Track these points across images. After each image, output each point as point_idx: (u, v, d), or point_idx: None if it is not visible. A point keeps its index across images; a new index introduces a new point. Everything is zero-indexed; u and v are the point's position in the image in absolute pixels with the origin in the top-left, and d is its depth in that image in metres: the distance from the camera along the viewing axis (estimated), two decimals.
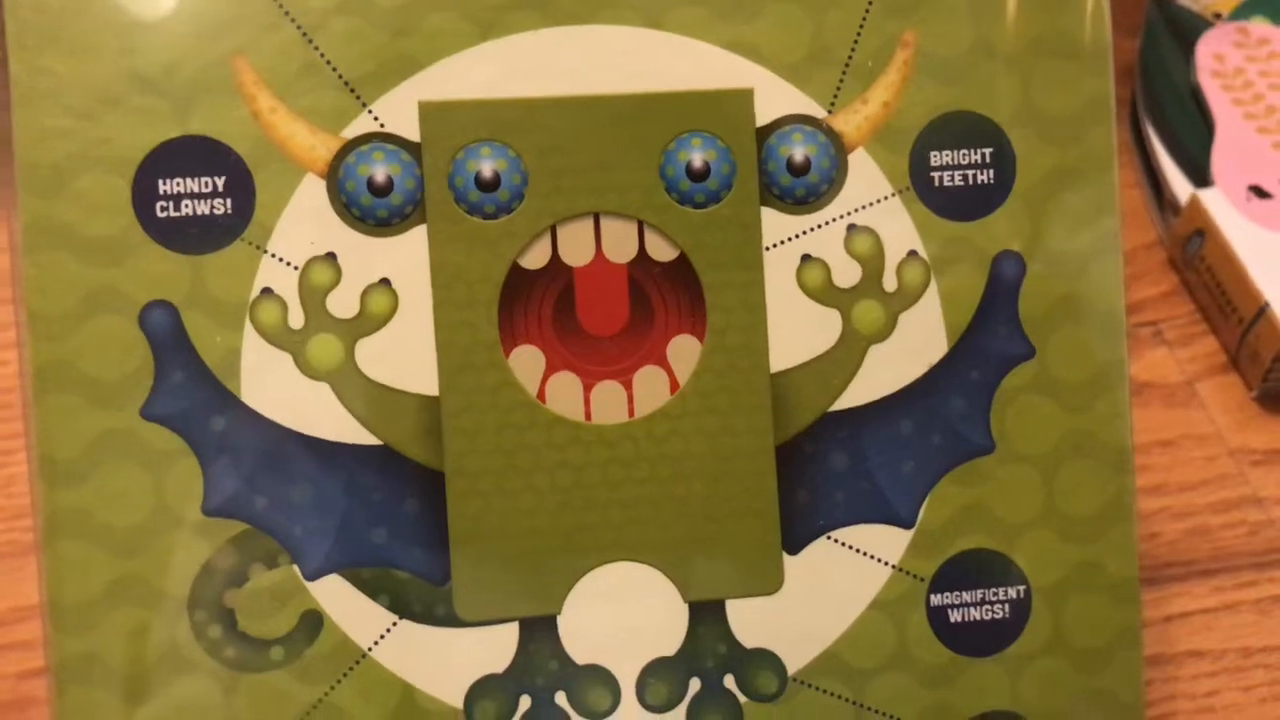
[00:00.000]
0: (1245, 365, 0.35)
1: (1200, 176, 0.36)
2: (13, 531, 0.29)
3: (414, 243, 0.22)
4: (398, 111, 0.22)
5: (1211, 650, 0.31)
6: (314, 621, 0.22)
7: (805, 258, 0.23)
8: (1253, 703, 0.30)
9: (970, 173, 0.24)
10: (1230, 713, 0.30)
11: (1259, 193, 0.36)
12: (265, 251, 0.22)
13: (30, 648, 0.28)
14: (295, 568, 0.22)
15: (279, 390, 0.22)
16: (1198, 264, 0.36)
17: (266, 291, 0.22)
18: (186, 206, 0.22)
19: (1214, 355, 0.36)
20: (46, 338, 0.21)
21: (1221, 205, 0.35)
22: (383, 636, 0.22)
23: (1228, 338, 0.35)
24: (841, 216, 0.23)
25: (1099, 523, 0.24)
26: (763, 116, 0.23)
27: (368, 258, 0.22)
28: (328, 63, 0.22)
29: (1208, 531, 0.33)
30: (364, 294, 0.22)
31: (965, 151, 0.24)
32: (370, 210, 0.22)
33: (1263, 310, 0.34)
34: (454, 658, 0.22)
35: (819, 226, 0.23)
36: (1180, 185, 0.36)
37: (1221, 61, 0.38)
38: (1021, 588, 0.24)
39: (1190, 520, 0.33)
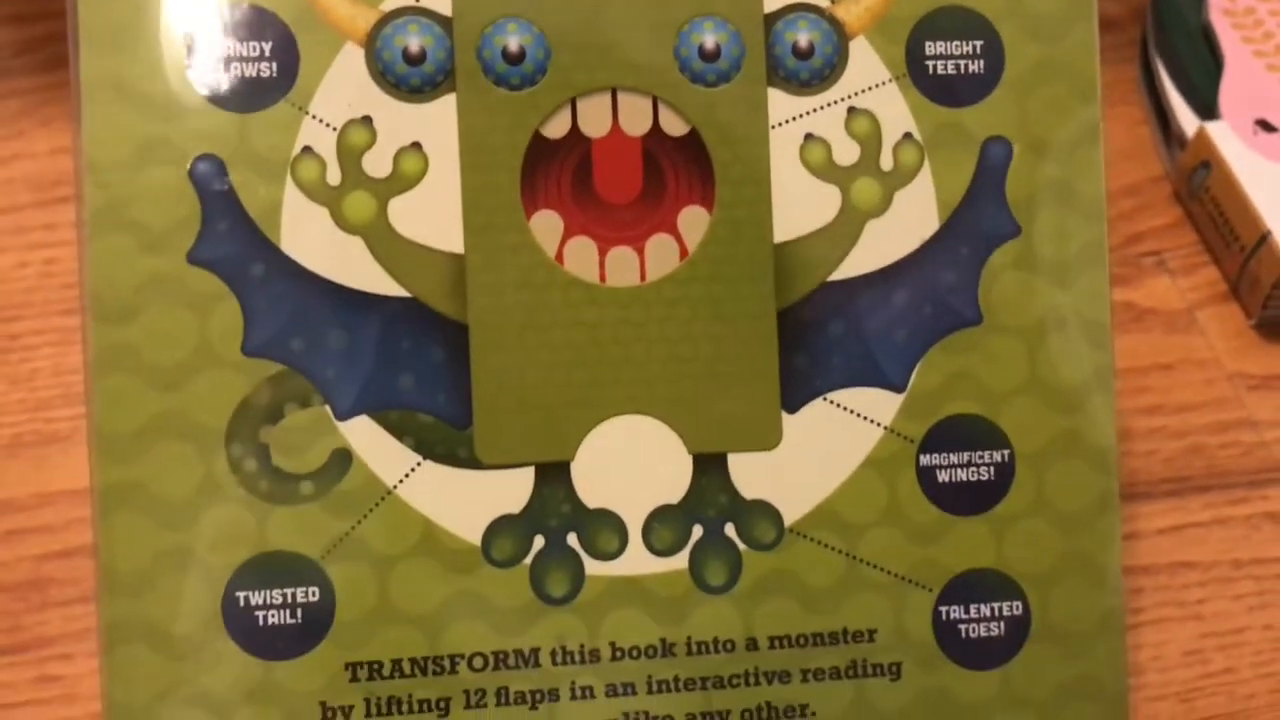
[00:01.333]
0: (1245, 293, 0.36)
1: (1208, 111, 0.38)
2: (35, 423, 0.31)
3: (444, 110, 0.24)
4: None
5: (1202, 561, 0.33)
6: (343, 459, 0.24)
7: (808, 136, 0.25)
8: (1240, 611, 0.32)
9: (962, 62, 0.26)
10: (1218, 620, 0.32)
11: (1265, 126, 0.38)
12: (306, 113, 0.24)
13: (51, 531, 0.30)
14: (327, 408, 0.24)
15: (316, 241, 0.24)
16: (1202, 195, 0.37)
17: (307, 150, 0.24)
18: (236, 68, 0.24)
19: (1215, 285, 0.38)
20: (102, 185, 0.24)
21: (1228, 137, 0.37)
22: (407, 475, 0.24)
23: (1229, 266, 0.37)
24: (842, 99, 0.25)
25: (1080, 393, 0.26)
26: (770, 3, 0.25)
27: (401, 122, 0.24)
28: None
29: (1203, 450, 0.35)
30: (397, 155, 0.24)
31: (957, 43, 0.26)
32: (404, 78, 0.24)
33: (1264, 238, 0.35)
34: (473, 498, 0.24)
35: (821, 108, 0.25)
36: (1188, 119, 0.38)
37: (1233, 0, 0.40)
38: (1006, 452, 0.26)
39: (1187, 440, 0.35)
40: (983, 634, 0.26)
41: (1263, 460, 0.35)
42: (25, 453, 0.30)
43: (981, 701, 0.26)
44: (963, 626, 0.26)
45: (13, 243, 0.31)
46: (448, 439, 0.24)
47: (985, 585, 0.26)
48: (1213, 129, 0.37)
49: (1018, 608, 0.26)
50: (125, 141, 0.24)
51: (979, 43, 0.26)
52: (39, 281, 0.31)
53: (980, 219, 0.26)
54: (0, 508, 0.30)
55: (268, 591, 0.24)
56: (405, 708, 0.24)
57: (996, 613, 0.26)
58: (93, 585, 0.28)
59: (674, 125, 0.25)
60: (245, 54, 0.24)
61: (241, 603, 0.24)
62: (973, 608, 0.26)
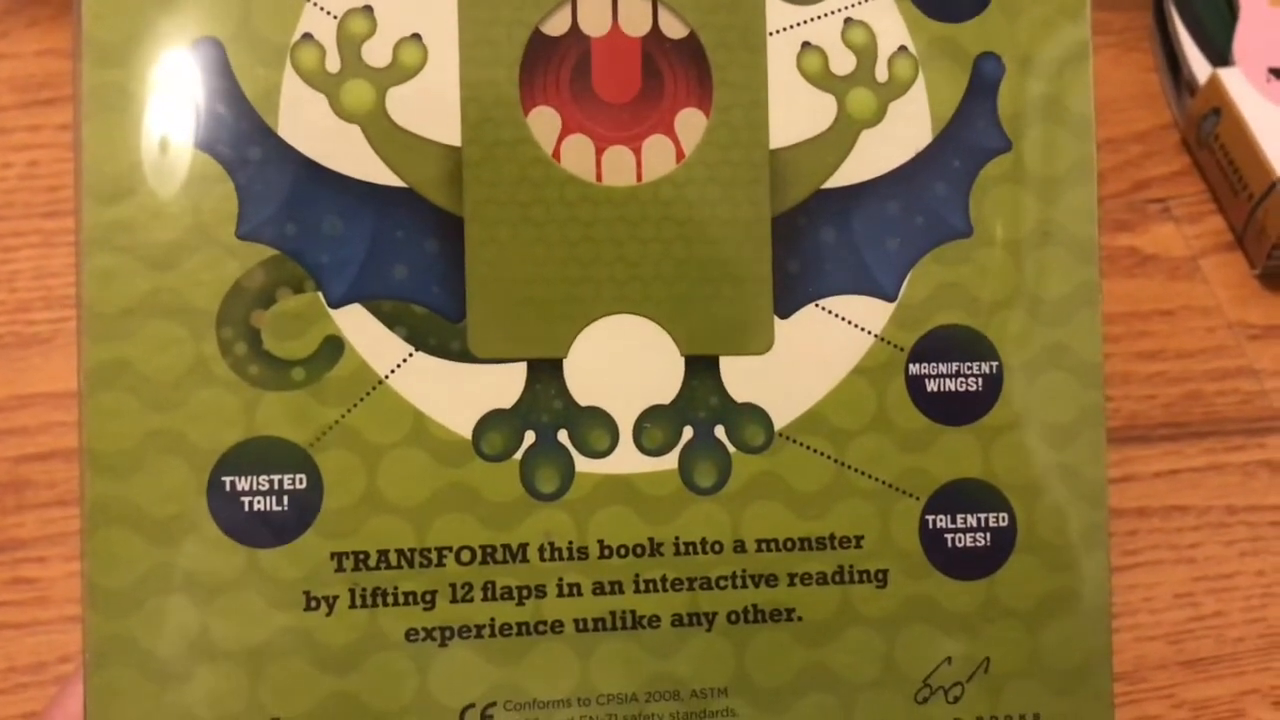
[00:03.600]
0: (1251, 242, 0.37)
1: (1221, 58, 0.38)
2: (15, 324, 0.32)
3: (445, 1, 0.25)
4: None
5: (1197, 506, 0.34)
6: (335, 346, 0.24)
7: (805, 45, 0.26)
8: (1232, 556, 0.33)
9: None
10: (1210, 564, 0.33)
11: (1278, 74, 0.38)
12: (308, 0, 0.24)
13: (28, 433, 0.30)
14: (320, 295, 0.24)
15: (313, 128, 0.25)
16: (1211, 142, 0.38)
17: (307, 36, 0.24)
18: None
19: (1220, 234, 0.39)
20: (100, 62, 0.24)
21: (1240, 84, 0.38)
22: (399, 366, 0.24)
23: (1236, 215, 0.37)
24: (839, 10, 0.26)
25: (1066, 306, 0.27)
26: None
27: (402, 12, 0.25)
28: None
29: (1202, 397, 0.35)
30: (397, 45, 0.25)
31: None
32: None
33: (1274, 186, 0.36)
34: (465, 390, 0.25)
35: (819, 17, 0.26)
36: (1200, 65, 0.39)
37: None
38: (994, 363, 0.26)
39: (1186, 385, 0.35)
40: (968, 544, 0.26)
41: (1261, 409, 0.35)
42: (4, 354, 0.31)
43: (966, 611, 0.26)
44: (949, 536, 0.26)
45: None
46: (440, 331, 0.25)
47: (972, 495, 0.27)
48: (1225, 75, 0.38)
49: (1004, 519, 0.27)
50: (125, 21, 0.24)
51: None
52: (21, 184, 0.32)
53: (972, 133, 0.27)
54: None
55: (254, 478, 0.24)
56: (391, 599, 0.24)
57: (982, 523, 0.27)
58: (70, 489, 0.29)
59: (673, 27, 0.26)
60: None
61: (227, 488, 0.24)
62: (959, 517, 0.26)
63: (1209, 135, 0.38)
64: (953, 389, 0.27)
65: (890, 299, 0.27)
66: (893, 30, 0.27)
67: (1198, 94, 0.38)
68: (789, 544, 0.26)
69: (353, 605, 0.25)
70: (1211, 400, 0.35)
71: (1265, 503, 0.34)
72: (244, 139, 0.25)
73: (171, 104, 0.24)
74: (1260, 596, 0.33)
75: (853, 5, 0.27)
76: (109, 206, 0.24)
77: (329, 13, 0.25)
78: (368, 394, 0.25)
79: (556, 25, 0.26)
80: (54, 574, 0.28)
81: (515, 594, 0.26)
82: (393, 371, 0.25)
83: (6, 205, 0.31)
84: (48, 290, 0.31)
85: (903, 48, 0.27)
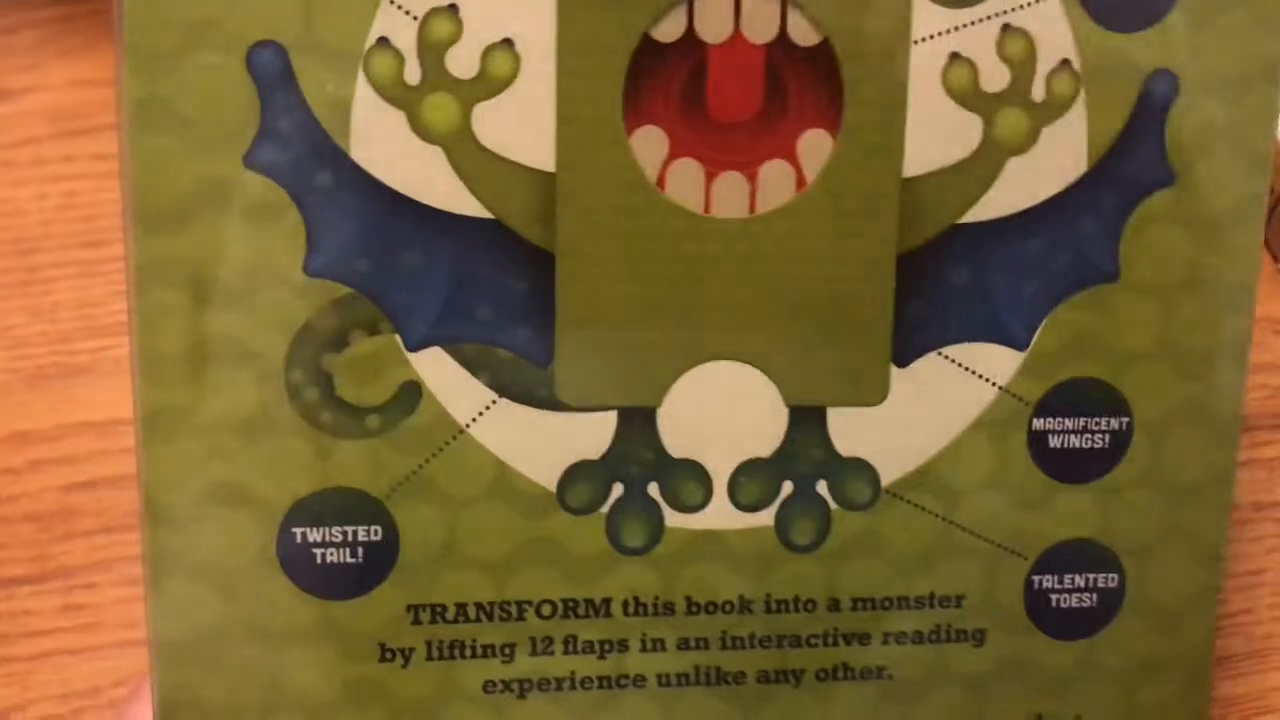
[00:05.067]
0: (1273, 236, 0.35)
1: None
2: (58, 355, 0.30)
3: (542, 1, 0.21)
4: None
5: None
6: (413, 392, 0.22)
7: (953, 56, 0.23)
8: (1260, 553, 0.32)
9: None
10: (1236, 561, 0.32)
11: None
12: None
13: (75, 462, 0.30)
14: (397, 337, 0.22)
15: (390, 150, 0.22)
16: None
17: (383, 41, 0.21)
18: None
19: None
20: (145, 73, 0.21)
21: None
22: (481, 413, 0.23)
23: None
24: (997, 15, 0.23)
25: (1212, 360, 0.25)
26: None
27: (492, 13, 0.21)
28: None
29: None
30: (485, 53, 0.22)
31: None
32: None
33: None
34: (551, 440, 0.23)
35: (972, 23, 0.23)
36: None
37: None
38: (1125, 419, 0.24)
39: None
40: (1074, 604, 0.25)
41: None
42: (49, 385, 0.30)
43: (1062, 670, 0.25)
44: (1054, 596, 0.25)
45: (31, 175, 0.30)
46: (526, 376, 0.23)
47: (1082, 555, 0.25)
48: None
49: (1113, 580, 0.25)
50: (171, 23, 0.21)
51: None
52: (58, 214, 0.30)
53: (1133, 164, 0.24)
54: (24, 439, 0.29)
55: (327, 529, 0.23)
56: (468, 652, 0.23)
57: (1091, 584, 0.25)
58: (117, 516, 0.28)
59: (804, 33, 0.22)
60: None
61: (298, 539, 0.23)
62: (1067, 578, 0.25)
63: None
64: (1077, 445, 0.25)
65: (1020, 348, 0.24)
66: (1056, 40, 0.23)
67: None
68: (885, 603, 0.24)
69: (429, 658, 0.24)
70: None
71: None
72: (311, 162, 0.22)
73: (228, 121, 0.21)
74: None
75: (1013, 9, 0.23)
76: (161, 239, 0.21)
77: (409, 12, 0.21)
78: (447, 443, 0.23)
79: (670, 29, 0.22)
80: (104, 599, 0.28)
81: (597, 648, 0.24)
82: (474, 420, 0.23)
83: (44, 237, 0.30)
84: (89, 320, 0.30)
85: (1065, 61, 0.23)
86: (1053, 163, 0.23)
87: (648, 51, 0.22)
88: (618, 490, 0.23)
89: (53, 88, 0.29)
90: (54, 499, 0.28)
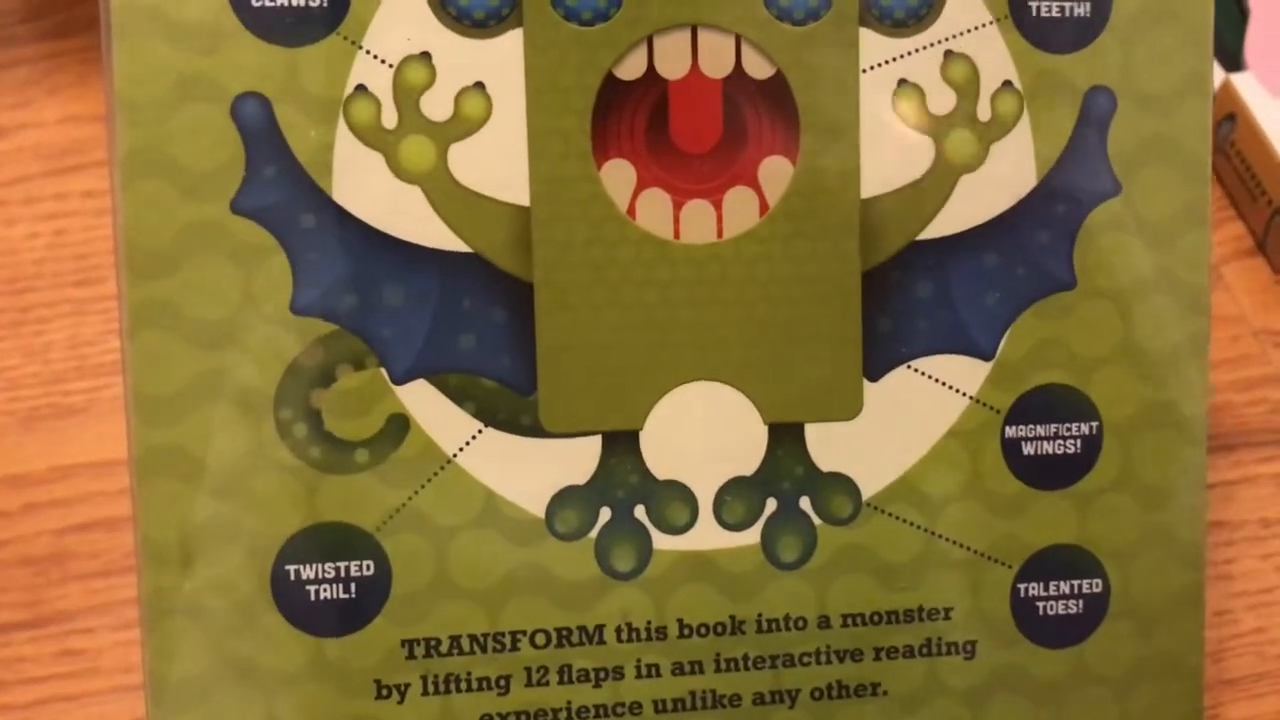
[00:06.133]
0: (1273, 248, 0.37)
1: (1233, 63, 0.37)
2: (52, 395, 0.31)
3: (510, 46, 0.23)
4: None
5: (1231, 520, 0.33)
6: (400, 425, 0.23)
7: (901, 82, 0.24)
8: (1269, 570, 0.33)
9: (1068, 5, 0.25)
10: (1247, 579, 0.32)
11: None
12: (360, 47, 0.23)
13: (69, 505, 0.30)
14: (383, 370, 0.23)
15: (370, 190, 0.23)
16: (1228, 149, 0.37)
17: (361, 89, 0.23)
18: None
19: (1241, 239, 0.38)
20: (136, 123, 0.22)
21: (1254, 88, 0.37)
22: (468, 443, 0.24)
23: (1256, 220, 0.37)
24: (939, 41, 0.24)
25: (1173, 361, 0.26)
26: None
27: (463, 59, 0.23)
28: None
29: (1230, 408, 0.35)
30: (458, 96, 0.23)
31: None
32: (467, 10, 0.23)
33: None
34: (537, 467, 0.24)
35: (916, 50, 0.24)
36: (1214, 71, 0.38)
37: None
38: (1094, 423, 0.25)
39: (1214, 397, 0.35)
40: (1060, 611, 0.26)
41: None
42: (42, 426, 0.30)
43: (1055, 679, 0.26)
44: (1040, 604, 0.26)
45: (23, 213, 0.31)
46: (510, 405, 0.24)
47: (1066, 562, 0.26)
48: (1238, 81, 0.37)
49: (1097, 585, 0.26)
50: (161, 77, 0.22)
51: None
52: (49, 253, 0.31)
53: (1079, 176, 0.25)
54: (18, 482, 0.30)
55: (319, 565, 0.23)
56: (464, 685, 0.24)
57: (1076, 590, 0.26)
58: (113, 559, 0.29)
59: (758, 67, 0.24)
60: None
61: (291, 576, 0.23)
62: (1052, 585, 0.26)
63: (1225, 141, 0.37)
64: (1050, 451, 0.26)
65: (987, 358, 0.26)
66: (997, 63, 0.25)
67: (1213, 100, 0.38)
68: (875, 618, 0.25)
69: (425, 693, 0.24)
70: (1240, 411, 0.35)
71: None
72: (295, 205, 0.23)
73: (215, 168, 0.23)
74: None
75: (954, 36, 0.25)
76: (152, 282, 0.23)
77: (384, 61, 0.23)
78: (436, 474, 0.24)
79: (631, 68, 0.24)
80: (102, 644, 0.28)
81: (592, 676, 0.25)
82: (461, 449, 0.24)
83: (36, 276, 0.30)
84: (82, 359, 0.30)
85: (1007, 82, 0.25)
86: (1003, 178, 0.25)
87: (612, 88, 0.24)
88: (605, 514, 0.24)
89: (43, 125, 0.30)
90: (49, 543, 0.29)
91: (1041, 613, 0.26)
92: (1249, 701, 0.31)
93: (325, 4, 0.23)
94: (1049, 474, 0.26)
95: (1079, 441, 0.26)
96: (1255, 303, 0.37)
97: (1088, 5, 0.25)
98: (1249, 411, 0.35)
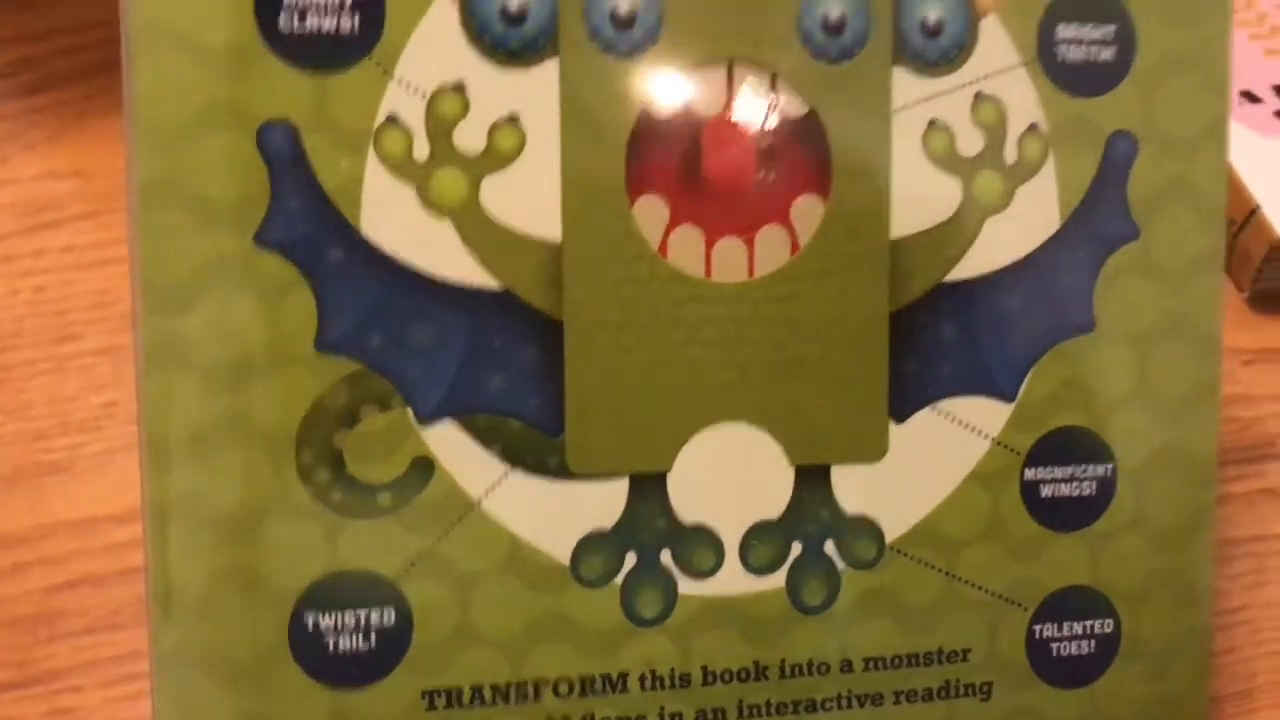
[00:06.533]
0: (1237, 267, 0.37)
1: None
2: (34, 454, 0.30)
3: (545, 78, 0.23)
4: None
5: None
6: (425, 468, 0.23)
7: (931, 123, 0.24)
8: (1239, 589, 0.33)
9: (1093, 48, 0.25)
10: (1218, 599, 0.33)
11: (1250, 98, 0.38)
12: (392, 76, 0.22)
13: (55, 563, 0.29)
14: (408, 411, 0.22)
15: (400, 225, 0.22)
16: None
17: (392, 119, 0.22)
18: (312, 20, 0.22)
19: None
20: (156, 150, 0.21)
21: None
22: (494, 487, 0.23)
23: None
24: (970, 83, 0.25)
25: (1185, 404, 0.26)
26: None
27: (497, 90, 0.22)
28: None
29: None
30: (492, 129, 0.23)
31: (1090, 26, 0.25)
32: (503, 39, 0.22)
33: (1253, 212, 0.36)
34: (563, 511, 0.23)
35: (947, 92, 0.24)
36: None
37: None
38: (1109, 466, 0.26)
39: None
40: (1073, 652, 0.26)
41: (1259, 436, 0.36)
42: (25, 485, 0.29)
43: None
44: (1055, 645, 0.26)
45: (1, 271, 0.30)
46: (538, 447, 0.23)
47: (1079, 603, 0.26)
48: None
49: (1109, 625, 0.26)
50: (183, 101, 0.21)
51: (1111, 27, 0.25)
52: (29, 310, 0.30)
53: (1101, 219, 0.26)
54: (2, 542, 0.29)
55: (339, 614, 0.22)
56: None
57: (1088, 630, 0.26)
58: (100, 616, 0.28)
59: (792, 105, 0.24)
60: (322, 3, 0.22)
61: (310, 626, 0.22)
62: (1066, 625, 0.26)
63: None
64: (1067, 493, 0.26)
65: (1009, 400, 0.26)
66: (1025, 106, 0.25)
67: None
68: (896, 661, 0.25)
69: None
70: None
71: (1268, 532, 0.35)
72: (323, 239, 0.22)
73: (238, 198, 0.22)
74: (1271, 629, 0.33)
75: (984, 78, 0.25)
76: (171, 318, 0.21)
77: (417, 90, 0.22)
78: (460, 519, 0.23)
79: (667, 103, 0.24)
80: (91, 702, 0.27)
81: None
82: (487, 493, 0.23)
83: (15, 335, 0.29)
84: (63, 416, 0.29)
85: (1033, 125, 0.25)
86: (1028, 221, 0.25)
87: (647, 124, 0.23)
88: (631, 560, 0.24)
89: (20, 181, 0.29)
90: (35, 602, 0.28)
91: (1055, 654, 0.26)
92: None
93: (358, 30, 0.22)
94: (1065, 516, 0.26)
95: (1094, 484, 0.26)
96: (1223, 322, 0.38)
97: (1113, 50, 0.26)
98: (1220, 431, 0.36)
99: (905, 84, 0.25)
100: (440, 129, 0.22)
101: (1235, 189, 0.37)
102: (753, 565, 0.25)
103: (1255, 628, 0.33)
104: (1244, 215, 0.37)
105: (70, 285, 0.29)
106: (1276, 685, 0.32)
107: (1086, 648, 0.26)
